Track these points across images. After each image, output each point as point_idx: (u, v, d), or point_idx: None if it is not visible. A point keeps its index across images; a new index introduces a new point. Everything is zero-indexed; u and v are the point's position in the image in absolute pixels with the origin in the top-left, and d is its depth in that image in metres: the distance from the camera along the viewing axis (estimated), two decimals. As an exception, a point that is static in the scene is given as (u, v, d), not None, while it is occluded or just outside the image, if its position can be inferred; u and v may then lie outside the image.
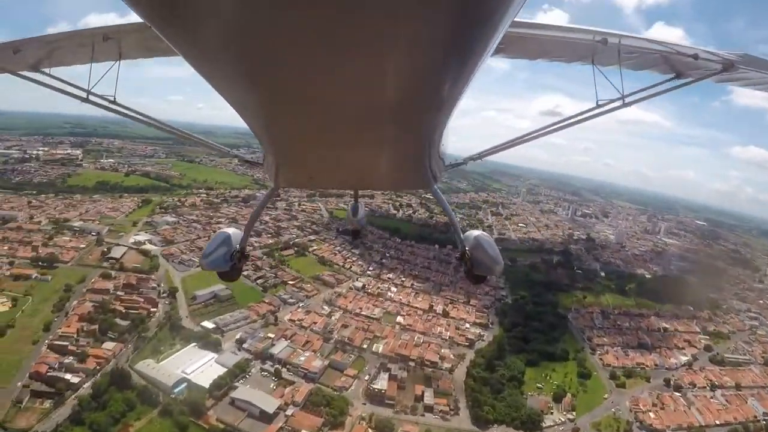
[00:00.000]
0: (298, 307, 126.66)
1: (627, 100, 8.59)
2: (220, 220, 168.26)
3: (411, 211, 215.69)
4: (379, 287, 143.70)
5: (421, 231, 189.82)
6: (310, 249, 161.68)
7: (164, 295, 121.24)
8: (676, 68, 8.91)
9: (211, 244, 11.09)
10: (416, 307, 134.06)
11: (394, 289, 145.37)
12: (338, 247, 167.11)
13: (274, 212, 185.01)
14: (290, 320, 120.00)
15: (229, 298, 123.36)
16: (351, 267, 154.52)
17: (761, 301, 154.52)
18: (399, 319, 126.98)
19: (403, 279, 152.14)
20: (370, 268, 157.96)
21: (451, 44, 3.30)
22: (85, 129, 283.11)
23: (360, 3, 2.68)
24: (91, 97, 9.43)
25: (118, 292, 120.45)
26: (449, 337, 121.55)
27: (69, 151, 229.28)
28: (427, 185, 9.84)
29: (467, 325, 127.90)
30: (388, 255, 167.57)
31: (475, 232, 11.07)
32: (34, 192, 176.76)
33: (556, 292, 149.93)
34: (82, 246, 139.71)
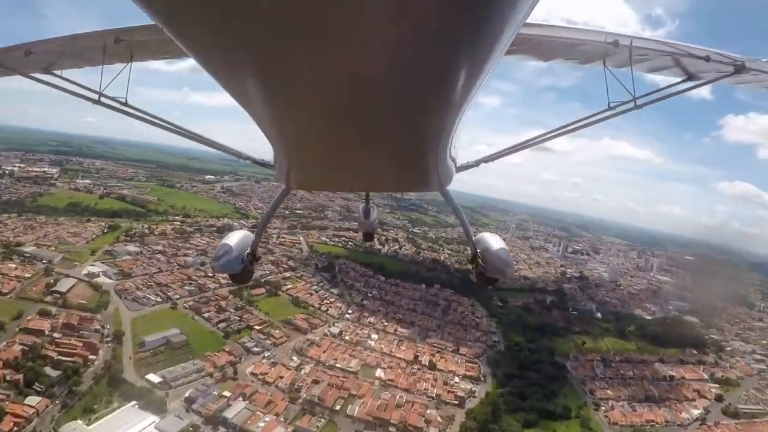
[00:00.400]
0: (264, 357, 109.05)
1: (639, 102, 8.40)
2: (187, 251, 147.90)
3: (397, 247, 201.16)
4: (358, 333, 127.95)
5: (407, 268, 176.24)
6: (284, 288, 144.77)
7: (108, 339, 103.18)
8: (688, 70, 8.56)
9: (223, 247, 10.43)
10: (399, 358, 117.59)
11: (375, 336, 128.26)
12: (315, 286, 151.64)
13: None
14: (252, 374, 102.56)
15: (183, 345, 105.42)
16: (328, 310, 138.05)
17: (764, 341, 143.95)
18: (379, 372, 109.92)
19: (386, 324, 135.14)
20: (350, 311, 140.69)
21: (462, 45, 3.24)
22: (70, 148, 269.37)
23: (369, 3, 2.67)
24: (103, 99, 9.22)
25: (55, 334, 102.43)
26: (436, 394, 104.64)
27: (46, 169, 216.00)
28: (438, 187, 9.40)
29: (457, 379, 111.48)
30: (370, 295, 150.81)
31: (487, 234, 10.66)
32: None
33: (551, 337, 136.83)
34: (27, 276, 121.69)
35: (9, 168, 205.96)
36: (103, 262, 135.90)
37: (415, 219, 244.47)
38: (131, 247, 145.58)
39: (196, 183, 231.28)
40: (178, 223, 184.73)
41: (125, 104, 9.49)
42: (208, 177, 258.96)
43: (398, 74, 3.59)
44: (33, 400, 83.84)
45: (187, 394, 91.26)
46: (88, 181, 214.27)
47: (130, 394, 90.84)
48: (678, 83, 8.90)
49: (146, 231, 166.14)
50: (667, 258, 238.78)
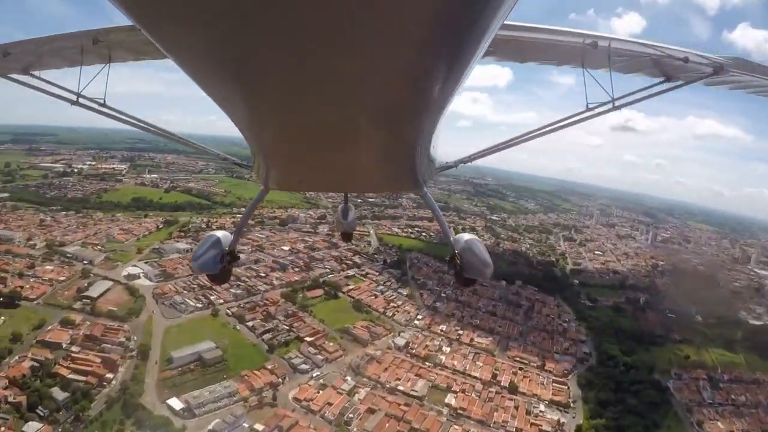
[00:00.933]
0: (312, 377, 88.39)
1: (617, 103, 8.16)
2: (241, 248, 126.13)
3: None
4: (427, 345, 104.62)
5: None
6: (345, 289, 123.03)
7: (132, 353, 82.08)
8: (667, 71, 8.36)
9: (201, 247, 9.99)
10: (475, 378, 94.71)
11: (447, 348, 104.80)
12: (381, 286, 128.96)
13: (311, 238, 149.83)
14: (295, 399, 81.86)
15: (218, 362, 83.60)
16: (394, 315, 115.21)
17: None
18: (450, 398, 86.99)
19: (461, 332, 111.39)
20: (419, 317, 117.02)
21: (440, 47, 3.18)
22: (147, 144, 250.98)
23: (347, 4, 2.62)
24: (81, 100, 8.94)
25: (73, 348, 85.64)
26: (517, 429, 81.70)
27: (115, 166, 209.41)
28: (417, 188, 9.10)
29: (542, 407, 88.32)
30: (444, 296, 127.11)
31: (466, 236, 10.03)
32: (59, 208, 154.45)
33: (649, 347, 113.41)
34: (62, 278, 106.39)
35: (78, 166, 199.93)
36: (146, 262, 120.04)
37: (493, 205, 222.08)
38: (182, 245, 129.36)
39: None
40: (240, 215, 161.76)
41: (103, 105, 9.09)
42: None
43: (377, 76, 3.45)
44: (33, 426, 68.83)
45: (211, 426, 73.16)
46: (155, 175, 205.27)
47: (144, 423, 73.18)
48: (656, 84, 8.44)
49: (203, 225, 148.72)
50: (762, 248, 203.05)
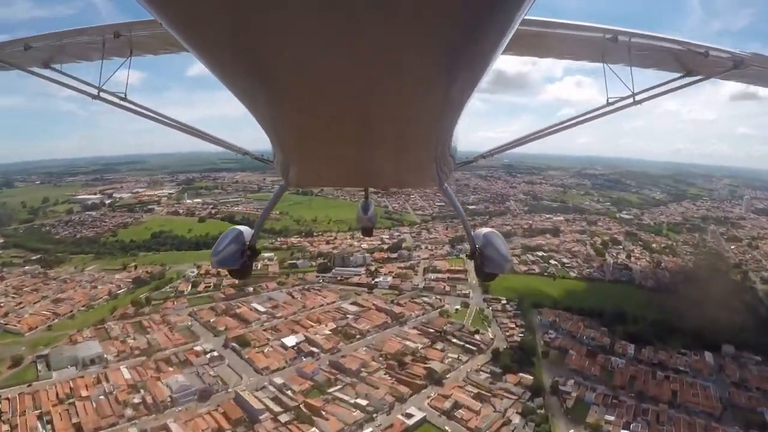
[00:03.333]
0: None
1: (638, 98, 6.79)
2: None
3: (623, 255, 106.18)
4: None
5: (660, 309, 76.19)
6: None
7: None
8: (687, 66, 6.76)
9: (221, 242, 8.48)
10: None
11: None
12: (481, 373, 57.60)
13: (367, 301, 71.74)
14: None
15: None
16: None
17: None
18: None
19: None
20: None
21: (461, 43, 2.78)
22: (232, 162, 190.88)
23: (372, 3, 2.34)
24: (102, 94, 7.43)
25: None
26: None
27: (161, 192, 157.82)
28: (437, 184, 7.81)
29: None
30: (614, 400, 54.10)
31: (485, 230, 8.90)
32: (46, 253, 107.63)
33: None
34: None
35: (120, 195, 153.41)
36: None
37: (617, 199, 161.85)
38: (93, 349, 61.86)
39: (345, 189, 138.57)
40: (268, 259, 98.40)
41: (124, 99, 7.55)
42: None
43: (397, 74, 3.02)
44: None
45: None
46: (199, 200, 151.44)
47: None
48: (677, 78, 6.88)
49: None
50: None
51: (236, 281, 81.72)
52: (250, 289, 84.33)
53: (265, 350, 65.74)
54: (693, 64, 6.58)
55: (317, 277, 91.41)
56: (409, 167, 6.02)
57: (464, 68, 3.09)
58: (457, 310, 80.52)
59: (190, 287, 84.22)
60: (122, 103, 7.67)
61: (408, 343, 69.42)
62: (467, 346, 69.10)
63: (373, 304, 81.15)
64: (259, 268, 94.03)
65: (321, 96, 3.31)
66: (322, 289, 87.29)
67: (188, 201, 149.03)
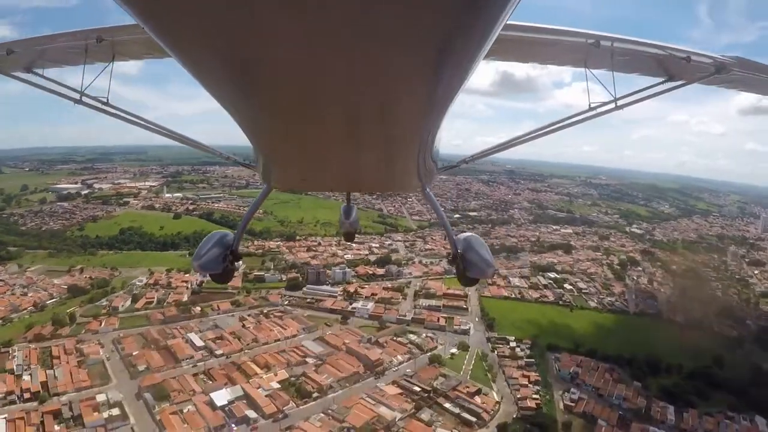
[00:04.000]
0: None
1: (619, 102, 6.45)
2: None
3: (642, 279, 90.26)
4: None
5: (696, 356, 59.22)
6: None
7: None
8: (669, 71, 6.42)
9: (203, 246, 7.73)
10: None
11: None
12: None
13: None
14: None
15: None
16: None
17: None
18: None
19: None
20: None
21: (443, 48, 2.65)
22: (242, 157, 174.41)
23: (351, 5, 2.22)
24: (84, 99, 6.92)
25: None
26: None
27: (139, 184, 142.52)
28: (419, 188, 7.57)
29: None
30: None
31: (467, 234, 8.15)
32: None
33: None
34: None
35: (100, 186, 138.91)
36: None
37: (625, 211, 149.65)
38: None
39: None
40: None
41: (107, 104, 7.06)
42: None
43: (378, 78, 2.88)
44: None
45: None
46: (179, 194, 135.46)
47: None
48: (659, 84, 6.49)
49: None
50: None
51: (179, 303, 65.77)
52: (198, 308, 66.24)
53: (186, 409, 46.40)
54: (675, 69, 6.28)
55: (282, 297, 72.19)
56: (391, 171, 5.72)
57: (446, 72, 2.93)
58: (453, 355, 60.68)
59: (129, 302, 66.68)
60: (104, 108, 7.11)
61: (383, 409, 48.83)
62: (464, 414, 49.03)
63: (344, 344, 61.01)
64: (217, 280, 78.35)
65: (301, 99, 3.14)
66: (285, 315, 67.49)
67: (167, 195, 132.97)
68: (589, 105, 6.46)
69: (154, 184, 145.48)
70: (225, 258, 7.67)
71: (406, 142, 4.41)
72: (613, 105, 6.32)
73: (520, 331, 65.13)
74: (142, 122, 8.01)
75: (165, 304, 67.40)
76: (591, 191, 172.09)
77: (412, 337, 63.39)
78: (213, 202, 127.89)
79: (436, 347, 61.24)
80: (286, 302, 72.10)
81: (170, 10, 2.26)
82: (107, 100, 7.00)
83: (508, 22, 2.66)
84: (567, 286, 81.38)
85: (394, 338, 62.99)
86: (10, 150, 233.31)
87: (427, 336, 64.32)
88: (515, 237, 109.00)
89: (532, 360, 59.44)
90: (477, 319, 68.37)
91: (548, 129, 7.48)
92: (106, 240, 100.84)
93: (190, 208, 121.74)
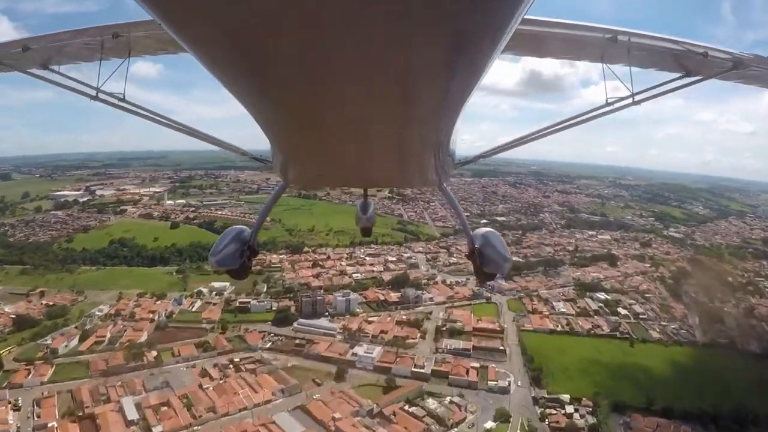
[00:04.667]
0: None
1: (637, 98, 6.13)
2: None
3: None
4: None
5: None
6: None
7: None
8: (686, 66, 6.04)
9: (221, 242, 7.20)
10: None
11: None
12: None
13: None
14: None
15: None
16: None
17: None
18: None
19: None
20: None
21: (460, 43, 2.53)
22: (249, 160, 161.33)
23: (372, 3, 2.15)
24: (101, 95, 6.58)
25: None
26: None
27: (143, 190, 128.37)
28: (436, 183, 6.91)
29: None
30: None
31: (484, 230, 7.59)
32: None
33: None
34: None
35: (103, 193, 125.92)
36: None
37: (660, 213, 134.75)
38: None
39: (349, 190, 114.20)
40: (216, 292, 66.74)
41: (123, 100, 6.69)
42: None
43: (396, 74, 2.76)
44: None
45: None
46: (182, 201, 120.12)
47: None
48: (676, 79, 6.14)
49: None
50: None
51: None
52: (153, 353, 49.69)
53: None
54: (692, 64, 5.99)
55: (264, 338, 55.02)
56: (408, 167, 5.52)
57: (463, 68, 2.85)
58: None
59: (75, 341, 51.79)
60: (121, 104, 6.84)
61: None
62: None
63: (334, 421, 41.81)
64: (193, 308, 61.51)
65: (320, 96, 3.03)
66: (261, 366, 49.43)
67: (168, 202, 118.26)
68: (607, 100, 6.21)
69: (159, 189, 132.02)
70: (242, 253, 7.18)
71: (423, 137, 4.24)
72: (630, 100, 6.08)
73: (576, 381, 48.34)
74: (158, 118, 7.72)
75: (117, 344, 51.48)
76: (622, 192, 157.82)
77: (431, 403, 44.20)
78: (216, 209, 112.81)
79: (464, 419, 42.16)
80: (268, 345, 54.29)
81: (186, 6, 2.19)
82: (123, 96, 6.71)
83: (524, 17, 2.55)
84: (621, 310, 64.96)
85: (406, 407, 43.55)
86: (32, 156, 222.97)
87: (451, 400, 44.81)
88: (550, 245, 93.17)
89: (595, 427, 41.73)
90: (519, 369, 49.70)
91: (566, 124, 7.03)
92: (92, 254, 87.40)
93: (191, 216, 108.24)
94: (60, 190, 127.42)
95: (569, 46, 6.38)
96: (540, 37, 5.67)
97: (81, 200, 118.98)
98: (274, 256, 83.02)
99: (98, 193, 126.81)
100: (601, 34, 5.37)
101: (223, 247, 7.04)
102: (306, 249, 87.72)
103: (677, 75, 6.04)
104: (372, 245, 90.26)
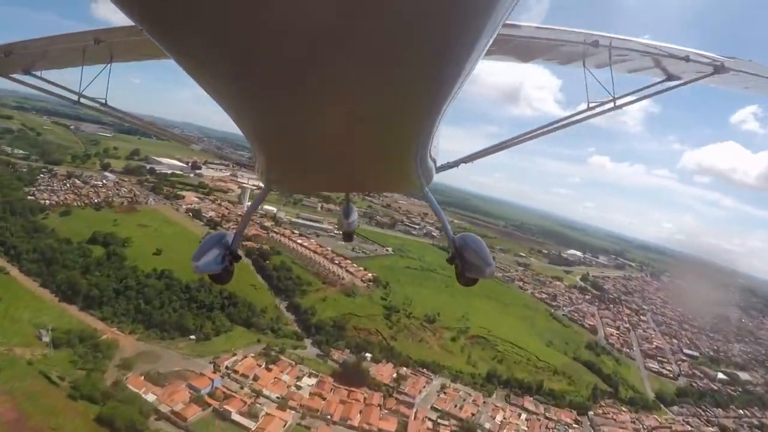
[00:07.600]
0: None
1: (618, 102, 6.41)
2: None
3: None
4: None
5: None
6: None
7: None
8: (668, 70, 6.42)
9: (203, 247, 7.34)
10: None
11: None
12: None
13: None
14: None
15: None
16: None
17: None
18: None
19: None
20: None
21: (441, 48, 2.57)
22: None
23: (346, 5, 2.18)
24: (83, 100, 7.04)
25: None
26: None
27: (210, 174, 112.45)
28: (418, 188, 7.07)
29: None
30: None
31: (466, 234, 7.75)
32: None
33: None
34: None
35: (162, 171, 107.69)
36: None
37: None
38: None
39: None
40: None
41: (105, 105, 7.12)
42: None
43: (378, 76, 2.76)
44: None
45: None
46: (238, 190, 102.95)
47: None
48: (658, 83, 6.46)
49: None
50: None
51: None
52: None
53: None
54: (674, 68, 6.28)
55: None
56: (390, 171, 5.53)
57: (445, 71, 2.84)
58: None
59: None
60: (103, 109, 7.25)
61: None
62: None
63: None
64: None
65: (300, 100, 3.02)
66: None
67: (273, 209, 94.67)
68: (588, 104, 6.33)
69: (220, 174, 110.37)
70: (224, 258, 7.23)
71: (405, 141, 4.19)
72: (611, 104, 6.18)
73: None
74: (141, 123, 8.12)
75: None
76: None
77: None
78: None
79: None
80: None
81: (166, 13, 2.20)
82: (105, 101, 6.89)
83: (507, 22, 2.56)
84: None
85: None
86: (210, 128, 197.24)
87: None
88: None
89: None
90: None
91: (546, 129, 7.25)
92: (49, 247, 67.48)
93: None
94: (166, 158, 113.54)
95: (551, 51, 6.39)
96: (521, 41, 5.75)
97: (169, 172, 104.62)
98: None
99: (202, 172, 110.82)
100: (582, 38, 5.53)
101: (206, 251, 6.94)
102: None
103: (659, 79, 6.19)
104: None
